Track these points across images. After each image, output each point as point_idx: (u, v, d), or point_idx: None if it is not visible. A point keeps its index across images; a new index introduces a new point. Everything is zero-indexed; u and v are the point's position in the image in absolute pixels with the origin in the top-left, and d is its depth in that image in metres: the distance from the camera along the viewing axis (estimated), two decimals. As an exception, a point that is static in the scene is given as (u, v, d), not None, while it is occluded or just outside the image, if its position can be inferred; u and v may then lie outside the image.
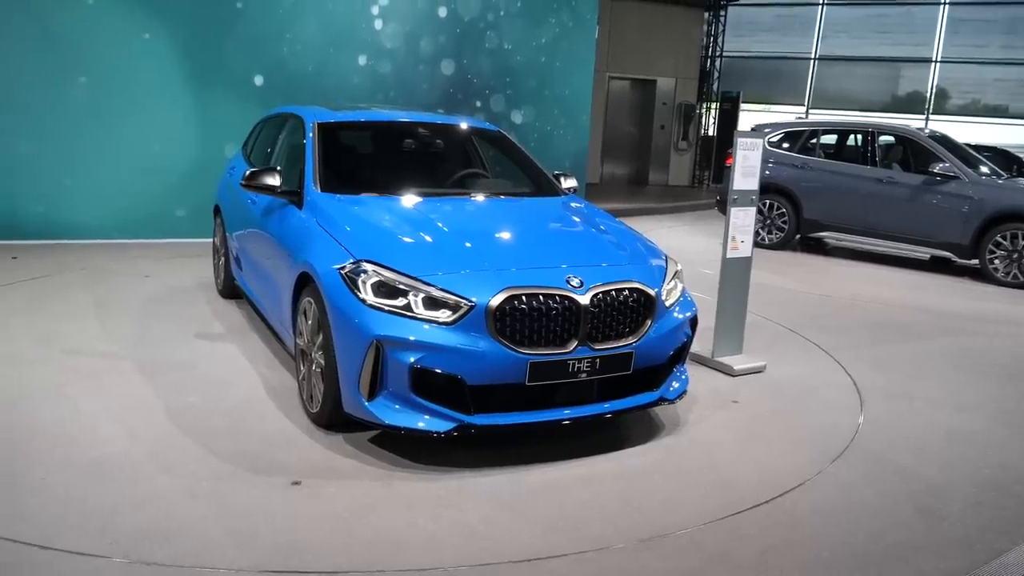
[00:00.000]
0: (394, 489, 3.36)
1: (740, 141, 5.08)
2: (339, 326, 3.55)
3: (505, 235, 4.16)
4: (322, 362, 3.73)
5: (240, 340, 5.28)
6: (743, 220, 5.19)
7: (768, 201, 10.45)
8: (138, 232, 8.37)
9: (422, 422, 3.45)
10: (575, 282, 3.58)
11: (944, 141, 9.75)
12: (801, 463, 3.85)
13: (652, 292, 3.78)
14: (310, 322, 3.88)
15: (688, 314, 4.07)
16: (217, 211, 6.31)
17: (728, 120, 17.96)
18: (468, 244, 3.84)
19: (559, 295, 3.52)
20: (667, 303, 3.92)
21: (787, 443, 4.10)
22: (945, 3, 25.00)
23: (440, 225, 4.03)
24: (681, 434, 4.13)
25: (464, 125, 5.57)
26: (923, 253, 10.05)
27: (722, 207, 11.21)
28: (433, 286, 3.46)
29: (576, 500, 3.36)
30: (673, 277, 4.05)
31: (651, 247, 4.23)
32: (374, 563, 2.82)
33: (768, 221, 10.50)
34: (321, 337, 3.72)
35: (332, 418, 3.75)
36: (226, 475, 3.40)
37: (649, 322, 3.76)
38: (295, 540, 2.93)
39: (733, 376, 5.09)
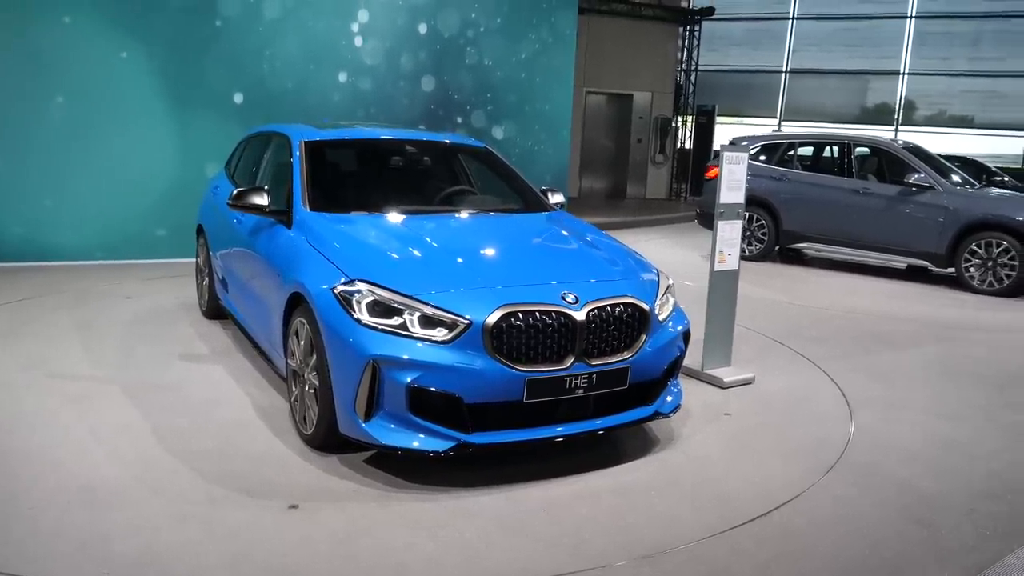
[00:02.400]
0: (391, 510, 3.33)
1: (726, 155, 5.12)
2: (334, 346, 3.52)
3: (498, 252, 4.16)
4: (316, 383, 3.70)
5: (226, 361, 5.22)
6: (730, 233, 5.23)
7: (749, 214, 10.53)
8: (119, 253, 8.27)
9: (420, 442, 3.42)
10: (570, 298, 3.58)
11: (918, 152, 9.89)
12: (795, 476, 3.87)
13: (646, 307, 3.79)
14: (302, 343, 3.85)
15: (680, 328, 4.09)
16: (200, 231, 6.25)
17: (704, 133, 18.14)
18: (461, 261, 3.83)
19: (555, 311, 3.52)
20: (660, 317, 3.93)
21: (780, 456, 4.11)
22: (912, 17, 25.51)
23: (431, 243, 4.02)
24: (675, 448, 4.13)
25: (450, 142, 5.58)
26: (900, 262, 10.17)
27: (702, 220, 11.34)
28: (429, 304, 3.44)
29: (575, 517, 3.35)
30: (665, 291, 4.07)
31: (642, 262, 4.25)
32: (376, 586, 2.79)
33: (748, 233, 10.58)
34: (315, 358, 3.69)
35: (327, 439, 3.72)
36: (218, 498, 3.36)
37: (644, 337, 3.77)
38: (290, 563, 2.89)
39: (723, 388, 5.11)
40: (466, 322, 3.40)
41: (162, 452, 3.78)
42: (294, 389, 4.04)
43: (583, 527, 3.27)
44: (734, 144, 11.07)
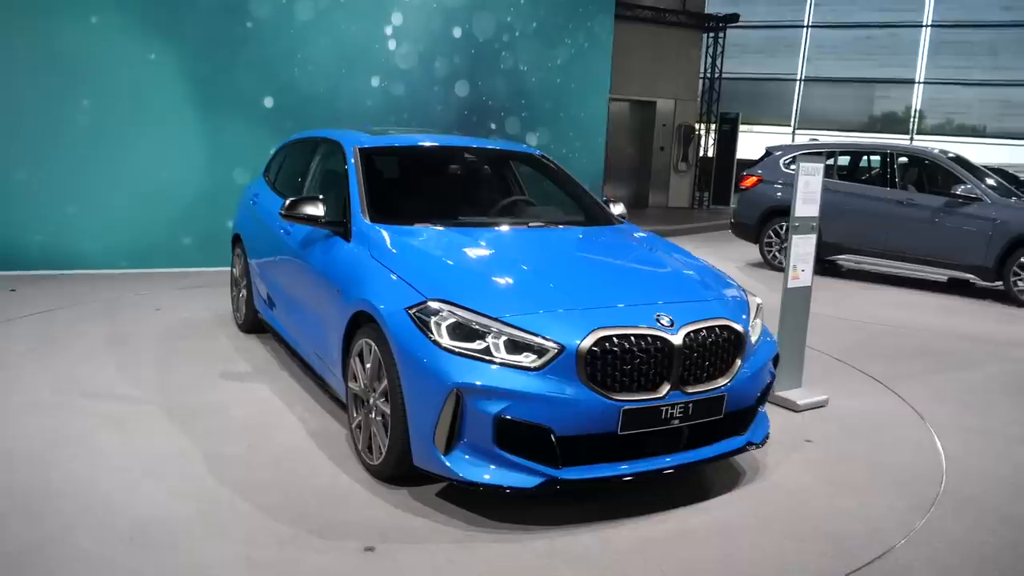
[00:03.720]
0: (477, 554, 3.03)
1: (802, 167, 4.84)
2: (410, 372, 3.23)
3: (580, 269, 3.87)
4: (385, 410, 3.41)
5: (270, 380, 4.94)
6: (804, 248, 4.95)
7: (786, 224, 10.25)
8: (143, 262, 7.99)
9: (507, 478, 3.13)
10: (665, 321, 3.30)
11: (962, 162, 9.61)
12: (899, 511, 3.58)
13: (741, 329, 3.50)
14: (368, 366, 3.56)
15: (771, 352, 3.80)
16: (237, 241, 5.97)
17: (727, 141, 17.87)
18: (544, 279, 3.54)
19: (651, 335, 3.23)
20: (752, 340, 3.64)
21: (877, 488, 3.82)
22: (927, 25, 25.30)
23: (508, 259, 3.74)
24: (764, 479, 3.84)
25: (506, 149, 5.30)
26: (940, 275, 9.88)
27: (736, 229, 11.06)
28: (516, 328, 3.16)
29: (676, 560, 3.06)
30: (756, 312, 3.78)
31: (727, 280, 3.97)
32: (478, 646, 2.50)
33: (786, 244, 10.29)
34: (385, 383, 3.40)
35: (397, 471, 3.43)
36: (287, 539, 3.06)
37: (739, 362, 3.49)
38: (382, 619, 2.60)
39: (797, 411, 4.82)
40: (558, 347, 3.11)
41: (217, 484, 3.49)
42: (356, 415, 3.75)
43: (689, 572, 2.98)
44: (769, 154, 10.83)
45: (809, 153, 10.48)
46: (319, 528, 3.16)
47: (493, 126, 9.51)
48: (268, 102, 8.28)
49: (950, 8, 24.61)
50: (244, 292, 5.78)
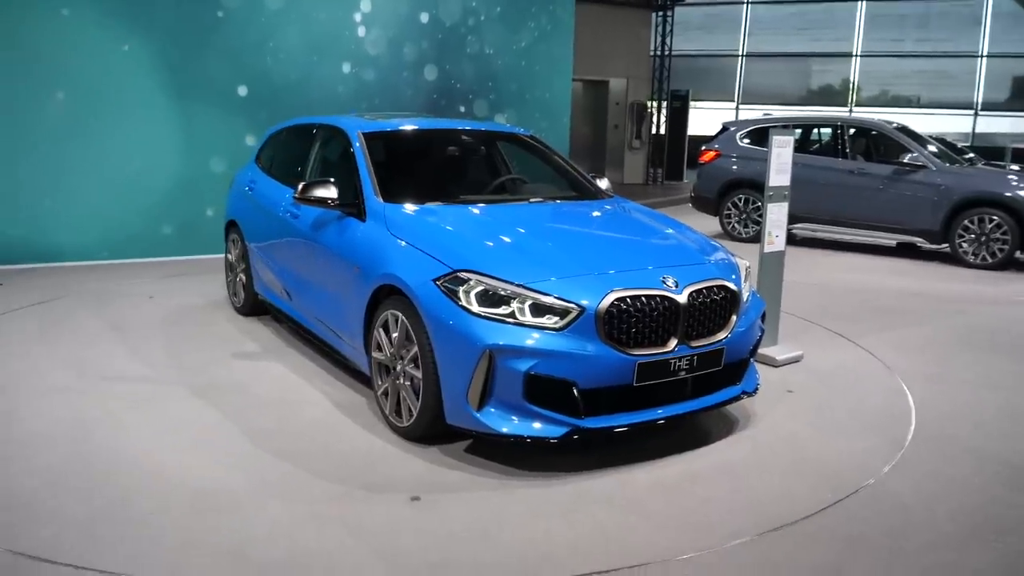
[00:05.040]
0: (515, 498, 3.34)
1: (774, 139, 5.21)
2: (442, 338, 3.51)
3: (586, 239, 4.20)
4: (416, 375, 3.68)
5: (281, 358, 5.15)
6: (778, 216, 5.33)
7: (744, 196, 10.73)
8: (123, 252, 8.07)
9: (535, 429, 3.44)
10: (670, 282, 3.63)
11: (908, 132, 10.15)
12: (879, 447, 3.98)
13: (736, 288, 3.86)
14: (395, 335, 3.82)
15: (760, 309, 4.17)
16: (232, 227, 6.13)
17: (678, 118, 18.33)
18: (556, 249, 3.85)
19: (659, 296, 3.56)
20: (744, 298, 4.00)
21: (859, 429, 4.23)
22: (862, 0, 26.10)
23: (520, 231, 4.03)
24: (757, 426, 4.22)
25: (499, 130, 5.57)
26: (889, 240, 10.45)
27: (697, 203, 11.49)
28: (541, 292, 3.45)
29: (693, 496, 3.41)
30: (746, 274, 4.14)
31: (715, 245, 4.31)
32: (536, 573, 2.81)
33: (744, 215, 10.77)
34: (415, 350, 3.67)
35: (428, 431, 3.72)
36: (340, 496, 3.33)
37: (734, 318, 3.85)
38: (445, 558, 2.89)
39: (777, 367, 5.21)
40: (579, 308, 3.42)
41: (261, 454, 3.72)
42: (381, 382, 4.01)
43: (705, 507, 3.33)
44: (725, 129, 11.26)
45: (764, 127, 10.98)
46: (366, 484, 3.43)
47: (462, 109, 9.75)
48: (242, 91, 8.38)
49: (882, -18, 25.41)
50: (243, 276, 5.96)
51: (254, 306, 5.94)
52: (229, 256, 6.26)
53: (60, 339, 5.45)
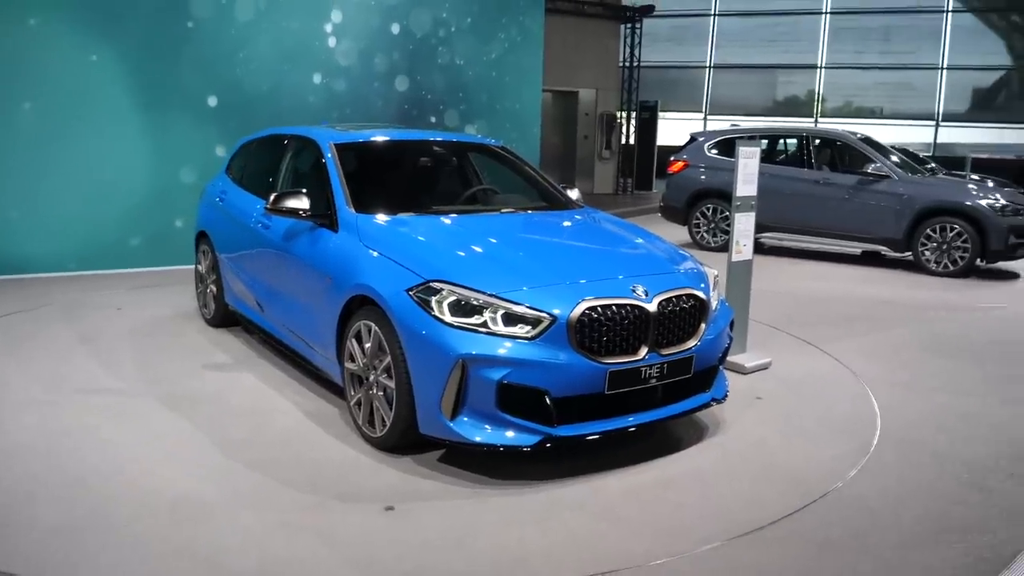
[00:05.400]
0: (489, 506, 3.37)
1: (740, 150, 5.31)
2: (415, 348, 3.53)
3: (556, 248, 4.25)
4: (389, 384, 3.70)
5: (253, 368, 5.14)
6: (745, 225, 5.42)
7: (712, 206, 10.86)
8: (91, 264, 7.98)
9: (508, 438, 3.47)
10: (640, 291, 3.68)
11: (871, 142, 10.35)
12: (848, 451, 4.06)
13: (704, 297, 3.92)
14: (368, 345, 3.83)
15: (728, 317, 4.24)
16: (202, 238, 6.10)
17: (647, 128, 18.51)
18: (527, 259, 3.89)
19: (630, 304, 3.61)
20: (713, 307, 4.07)
21: (826, 434, 4.31)
22: (826, 13, 26.58)
23: (492, 241, 4.07)
24: (727, 433, 4.28)
25: (471, 141, 5.62)
26: (854, 248, 10.63)
27: (666, 212, 11.61)
28: (513, 302, 3.49)
29: (665, 502, 3.46)
30: (714, 283, 4.21)
31: (685, 255, 4.38)
32: (508, 580, 2.83)
33: (713, 225, 10.90)
34: (388, 360, 3.68)
35: (401, 440, 3.73)
36: (313, 506, 3.34)
37: (703, 326, 3.91)
38: (419, 566, 2.91)
39: (745, 374, 5.29)
40: (551, 318, 3.46)
41: (233, 464, 3.72)
42: (354, 392, 4.02)
43: (677, 512, 3.38)
44: (694, 140, 11.40)
45: (731, 138, 11.12)
46: (339, 494, 3.44)
47: (433, 119, 9.78)
48: (212, 101, 8.34)
49: (846, -5, 25.89)
50: (213, 287, 5.93)
51: (224, 317, 5.91)
52: (199, 267, 6.23)
53: (31, 353, 5.38)
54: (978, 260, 9.21)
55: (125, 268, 8.13)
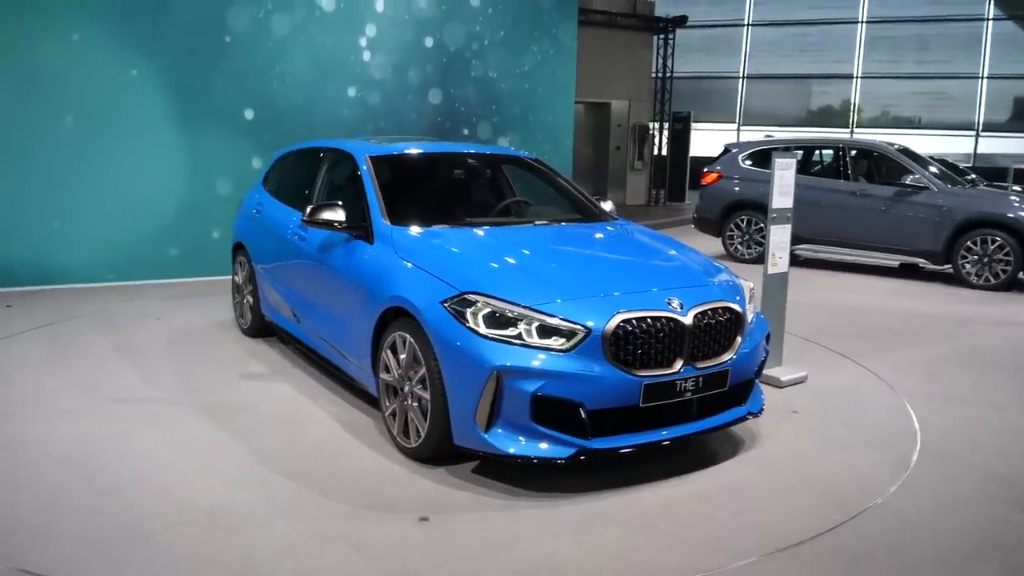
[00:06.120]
0: (522, 518, 3.36)
1: (776, 162, 5.27)
2: (450, 359, 3.54)
3: (591, 261, 4.24)
4: (424, 396, 3.71)
5: (289, 378, 5.19)
6: (781, 237, 5.37)
7: (746, 217, 10.78)
8: (130, 274, 8.11)
9: (543, 450, 3.46)
10: (675, 304, 3.66)
11: (909, 153, 10.22)
12: (884, 467, 4.00)
13: (740, 310, 3.89)
14: (403, 357, 3.85)
15: (764, 330, 4.20)
16: (238, 249, 6.18)
17: (680, 139, 18.44)
18: (562, 271, 3.90)
19: (665, 317, 3.59)
20: (748, 320, 4.04)
21: (864, 448, 4.24)
22: (862, 22, 26.32)
23: (526, 253, 4.08)
24: (762, 447, 4.23)
25: (505, 153, 5.64)
26: (892, 261, 10.49)
27: (699, 224, 11.55)
28: (547, 314, 3.49)
29: (700, 516, 3.43)
30: (750, 296, 4.18)
31: (719, 266, 4.35)
32: (542, 593, 2.82)
33: (747, 236, 10.82)
34: (423, 371, 3.70)
35: (436, 451, 3.74)
36: (347, 516, 3.35)
37: (739, 339, 3.88)
38: (454, 576, 2.91)
39: (781, 388, 5.23)
40: (585, 330, 3.45)
41: (269, 473, 3.75)
42: (389, 403, 4.04)
43: (712, 526, 3.34)
44: (727, 151, 11.34)
45: (765, 149, 11.05)
46: (373, 504, 3.45)
47: (466, 131, 9.83)
48: (248, 114, 8.47)
49: (882, 4, 25.62)
50: (250, 298, 6.00)
51: (260, 327, 5.98)
52: (236, 278, 6.31)
53: (68, 361, 5.48)
54: (1020, 273, 9.03)
55: (162, 279, 8.26)
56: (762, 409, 4.19)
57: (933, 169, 9.90)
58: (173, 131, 8.15)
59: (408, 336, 3.80)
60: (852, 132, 26.09)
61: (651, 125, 18.08)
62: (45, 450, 3.99)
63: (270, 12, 8.42)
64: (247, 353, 5.75)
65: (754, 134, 23.36)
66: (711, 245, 11.43)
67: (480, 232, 4.40)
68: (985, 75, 24.09)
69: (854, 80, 26.67)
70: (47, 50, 7.52)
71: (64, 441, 4.10)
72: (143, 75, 7.95)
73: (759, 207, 10.57)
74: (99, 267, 8.02)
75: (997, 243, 9.04)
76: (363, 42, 9.00)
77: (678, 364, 3.61)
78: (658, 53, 18.19)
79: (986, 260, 9.13)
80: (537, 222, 4.78)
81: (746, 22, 27.35)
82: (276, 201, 5.76)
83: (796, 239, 10.49)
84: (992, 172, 16.20)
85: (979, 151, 24.26)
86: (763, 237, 10.65)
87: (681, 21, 17.92)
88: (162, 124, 8.10)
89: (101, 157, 7.85)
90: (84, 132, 7.77)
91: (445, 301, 3.63)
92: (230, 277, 6.51)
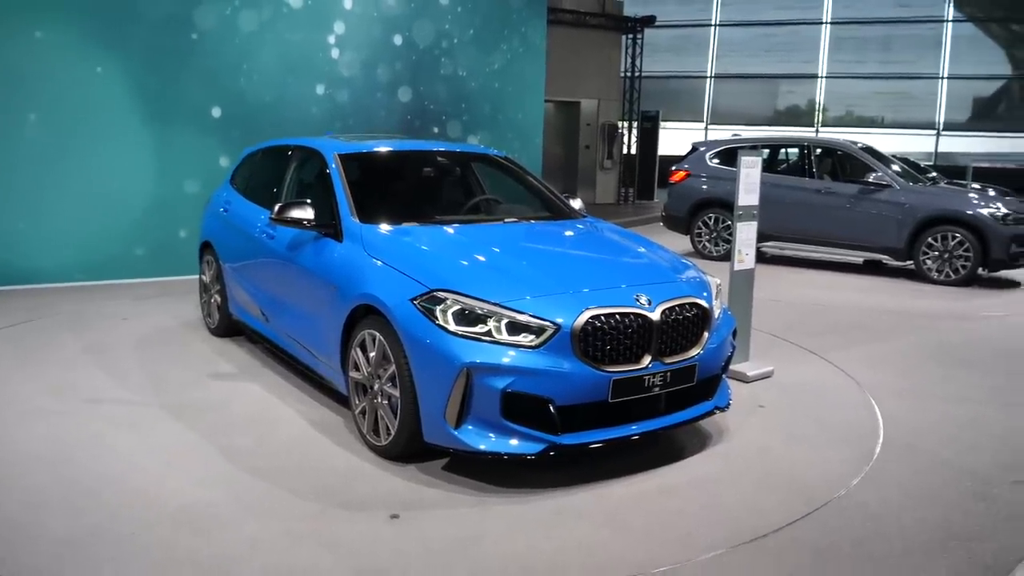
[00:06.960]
0: (493, 514, 3.38)
1: (742, 159, 5.33)
2: (419, 356, 3.56)
3: (560, 257, 4.27)
4: (393, 393, 3.72)
5: (257, 377, 5.16)
6: (747, 234, 5.44)
7: (714, 215, 10.90)
8: (97, 274, 8.01)
9: (513, 446, 3.49)
10: (643, 300, 3.71)
11: (872, 152, 10.39)
12: (850, 459, 4.07)
13: (707, 306, 3.94)
14: (372, 354, 3.86)
15: (731, 326, 4.26)
16: (206, 248, 6.13)
17: (649, 138, 18.56)
18: (531, 268, 3.92)
19: (633, 313, 3.63)
20: (715, 315, 4.09)
21: (829, 442, 4.32)
22: (827, 23, 26.67)
23: (496, 250, 4.10)
24: (729, 441, 4.29)
25: (474, 151, 5.65)
26: (856, 257, 10.66)
27: (668, 222, 11.65)
28: (517, 311, 3.51)
29: (668, 511, 3.47)
30: (717, 292, 4.23)
31: (688, 264, 4.41)
32: (513, 587, 2.85)
33: (715, 234, 10.93)
34: (392, 368, 3.71)
35: (406, 449, 3.75)
36: (317, 514, 3.35)
37: (706, 335, 3.93)
38: (424, 574, 2.92)
39: (747, 382, 5.30)
40: (555, 326, 3.48)
41: (239, 472, 3.74)
42: (358, 401, 4.04)
43: (681, 519, 3.39)
44: (695, 150, 11.45)
45: (732, 148, 11.17)
46: (344, 502, 3.46)
47: (436, 130, 9.83)
48: (215, 112, 8.39)
49: (847, 5, 25.98)
50: (217, 297, 5.96)
51: (228, 327, 5.94)
52: (203, 277, 6.26)
53: (39, 362, 5.41)
54: (980, 269, 9.22)
55: (130, 278, 8.17)
56: (729, 404, 4.25)
57: (895, 167, 10.08)
58: (140, 129, 8.06)
59: (378, 334, 3.80)
60: (817, 131, 26.43)
61: (620, 124, 18.19)
62: (19, 451, 3.95)
63: (237, 9, 8.35)
64: (215, 352, 5.71)
65: (722, 133, 23.60)
66: (679, 243, 11.53)
67: (450, 230, 4.42)
68: (945, 75, 24.53)
69: (819, 80, 27.01)
70: (8, 47, 7.40)
71: (36, 442, 4.06)
72: (108, 73, 7.85)
73: (726, 205, 10.63)
74: (67, 267, 7.91)
75: (957, 239, 9.22)
76: (331, 39, 8.97)
77: (646, 360, 3.65)
78: (627, 52, 18.29)
79: (947, 256, 9.31)
80: (507, 220, 4.80)
81: (713, 22, 27.61)
82: (244, 199, 5.72)
83: (762, 236, 10.59)
84: (952, 170, 16.53)
85: (940, 150, 24.72)
86: (730, 234, 10.80)
87: (649, 21, 18.04)
88: (128, 122, 8.01)
89: (66, 156, 7.74)
90: (48, 131, 7.66)
91: (415, 298, 3.64)
92: (197, 276, 6.45)
